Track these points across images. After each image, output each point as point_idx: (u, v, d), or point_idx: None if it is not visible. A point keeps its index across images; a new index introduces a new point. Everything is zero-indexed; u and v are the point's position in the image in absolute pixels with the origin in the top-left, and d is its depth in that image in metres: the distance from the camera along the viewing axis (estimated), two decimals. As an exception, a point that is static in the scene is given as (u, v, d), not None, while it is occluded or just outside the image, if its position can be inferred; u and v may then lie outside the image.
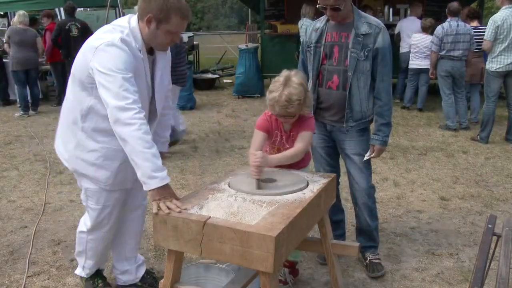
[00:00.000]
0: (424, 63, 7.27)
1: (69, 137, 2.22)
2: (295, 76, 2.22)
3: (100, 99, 2.00)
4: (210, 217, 1.74)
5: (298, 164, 2.41)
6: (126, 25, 2.06)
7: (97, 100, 2.05)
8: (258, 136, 2.34)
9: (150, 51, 2.17)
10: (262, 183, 2.06)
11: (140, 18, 2.07)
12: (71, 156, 2.24)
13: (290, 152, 2.27)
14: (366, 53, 2.51)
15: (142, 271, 2.62)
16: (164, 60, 2.27)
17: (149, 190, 1.89)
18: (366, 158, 2.66)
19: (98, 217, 2.33)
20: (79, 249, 2.50)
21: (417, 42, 7.31)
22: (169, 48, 2.27)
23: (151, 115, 2.28)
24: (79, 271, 2.59)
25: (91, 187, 2.26)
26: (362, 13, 2.59)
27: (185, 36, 9.88)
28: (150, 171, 1.87)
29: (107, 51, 1.95)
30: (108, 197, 2.28)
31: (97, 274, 2.60)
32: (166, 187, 1.90)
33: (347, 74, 2.55)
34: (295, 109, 2.20)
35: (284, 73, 2.24)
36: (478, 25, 6.63)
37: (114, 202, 2.31)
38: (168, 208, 1.82)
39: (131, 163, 1.94)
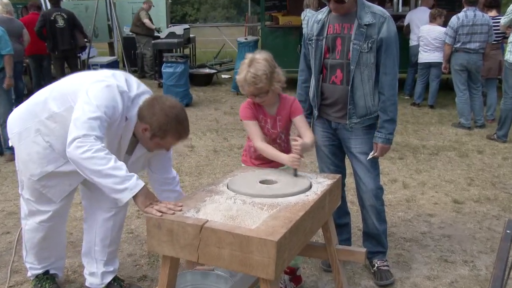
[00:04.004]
0: (434, 57, 7.26)
1: (25, 115, 2.29)
2: (258, 54, 2.33)
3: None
4: (207, 220, 1.75)
5: (285, 151, 2.46)
6: (126, 90, 2.17)
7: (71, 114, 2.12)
8: (253, 126, 2.39)
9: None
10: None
11: (139, 118, 2.19)
12: (15, 133, 2.31)
13: (311, 139, 2.39)
14: (369, 45, 2.51)
15: (109, 278, 2.62)
16: (145, 152, 2.37)
17: (135, 201, 1.94)
18: (369, 157, 2.67)
19: (31, 208, 2.40)
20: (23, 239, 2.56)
21: (425, 34, 7.29)
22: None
23: None
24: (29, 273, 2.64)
25: (25, 179, 2.34)
26: (367, 2, 2.59)
27: (180, 29, 9.92)
28: (114, 186, 1.91)
29: (103, 89, 2.08)
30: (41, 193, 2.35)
31: (47, 278, 2.62)
32: (146, 193, 1.94)
33: (350, 67, 2.56)
34: (264, 83, 2.28)
35: (249, 55, 2.35)
36: (497, 14, 6.49)
37: (48, 200, 2.36)
38: (160, 212, 1.84)
39: (70, 177, 2.08)
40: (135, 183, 1.93)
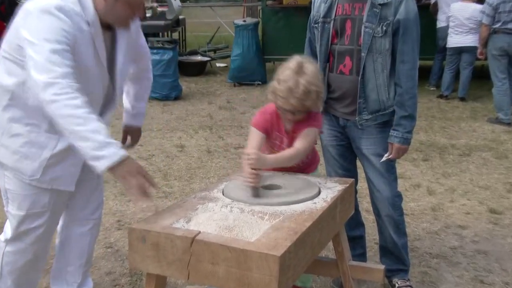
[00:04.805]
0: (466, 40, 7.27)
1: None
2: (308, 63, 2.28)
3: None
4: (199, 232, 1.76)
5: (302, 169, 2.45)
6: (61, 3, 2.08)
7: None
8: (256, 137, 2.37)
9: (109, 27, 2.22)
10: (262, 189, 2.11)
11: None
12: None
13: (289, 152, 2.31)
14: (384, 28, 2.52)
15: None
16: (128, 39, 2.32)
17: (115, 175, 1.94)
18: (384, 159, 2.68)
19: (20, 226, 2.31)
20: None
21: (456, 12, 7.29)
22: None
23: (108, 103, 2.34)
24: None
25: (12, 188, 2.26)
26: None
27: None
28: (91, 151, 1.91)
29: (39, 17, 2.01)
30: (34, 202, 2.27)
31: None
32: (127, 164, 1.93)
33: (361, 55, 2.57)
34: (312, 102, 2.26)
35: (295, 59, 2.30)
36: None
37: (42, 209, 2.29)
38: (142, 191, 1.88)
39: (69, 155, 2.03)
40: (115, 151, 1.92)
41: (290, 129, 2.40)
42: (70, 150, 2.15)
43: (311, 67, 2.29)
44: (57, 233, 2.60)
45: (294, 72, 2.24)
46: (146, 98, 2.72)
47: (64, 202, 2.41)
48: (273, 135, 2.42)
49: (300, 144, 2.33)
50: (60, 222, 2.55)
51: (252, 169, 2.08)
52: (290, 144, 2.39)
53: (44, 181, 2.24)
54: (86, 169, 2.26)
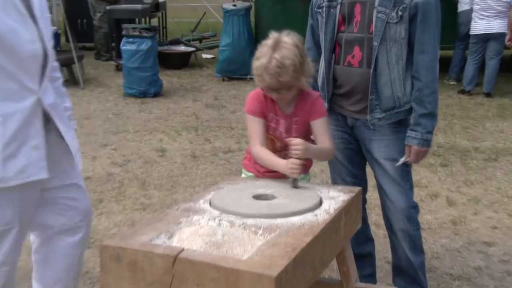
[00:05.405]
0: (494, 26, 7.31)
1: None
2: (287, 37, 2.39)
3: None
4: (183, 249, 1.76)
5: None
6: None
7: None
8: (256, 125, 2.47)
9: None
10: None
11: None
12: None
13: (328, 148, 2.51)
14: (399, 13, 2.53)
15: None
16: None
17: None
18: (399, 163, 2.69)
19: None
20: None
21: (483, -7, 7.36)
22: None
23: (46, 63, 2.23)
24: None
25: None
26: None
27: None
28: None
29: None
30: None
31: None
32: None
33: (373, 44, 2.59)
34: (290, 77, 2.34)
35: (274, 34, 2.40)
36: None
37: (7, 225, 2.16)
38: None
39: (27, 137, 2.02)
40: None
41: (290, 113, 2.51)
42: (24, 130, 2.10)
43: (290, 41, 2.37)
44: (33, 250, 2.50)
45: (270, 48, 2.35)
46: (67, 95, 2.60)
47: (33, 207, 2.28)
48: (268, 117, 2.51)
49: (329, 142, 2.53)
50: (39, 233, 2.45)
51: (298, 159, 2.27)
52: (288, 128, 2.51)
53: (9, 178, 2.11)
54: (52, 153, 2.23)
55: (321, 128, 2.51)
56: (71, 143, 2.37)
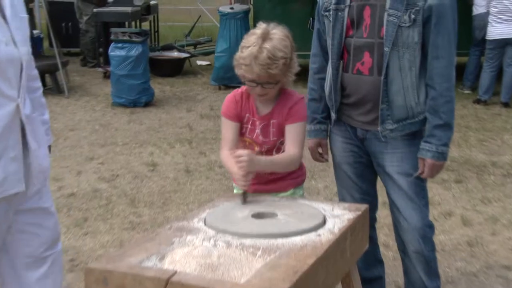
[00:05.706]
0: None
1: None
2: (276, 29, 2.44)
3: None
4: (176, 272, 1.77)
5: (284, 178, 2.57)
6: None
7: None
8: (229, 128, 2.53)
9: None
10: (251, 195, 2.29)
11: None
12: None
13: (284, 157, 2.49)
14: (412, 16, 2.54)
15: None
16: None
17: None
18: (413, 177, 2.71)
19: None
20: None
21: (500, -4, 7.38)
22: None
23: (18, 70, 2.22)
24: None
25: None
26: None
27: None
28: None
29: None
30: None
31: None
32: None
33: (384, 49, 2.61)
34: (279, 70, 2.38)
35: (262, 25, 2.45)
36: None
37: None
38: None
39: (5, 149, 2.01)
40: None
41: (267, 113, 2.54)
42: (3, 140, 2.09)
43: (279, 33, 2.42)
44: None
45: (259, 38, 2.39)
46: (46, 107, 2.59)
47: (6, 225, 2.24)
48: (244, 118, 2.55)
49: (294, 148, 2.49)
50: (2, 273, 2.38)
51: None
52: (265, 130, 2.54)
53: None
54: (29, 170, 2.21)
55: (293, 134, 2.51)
56: (41, 162, 2.31)
